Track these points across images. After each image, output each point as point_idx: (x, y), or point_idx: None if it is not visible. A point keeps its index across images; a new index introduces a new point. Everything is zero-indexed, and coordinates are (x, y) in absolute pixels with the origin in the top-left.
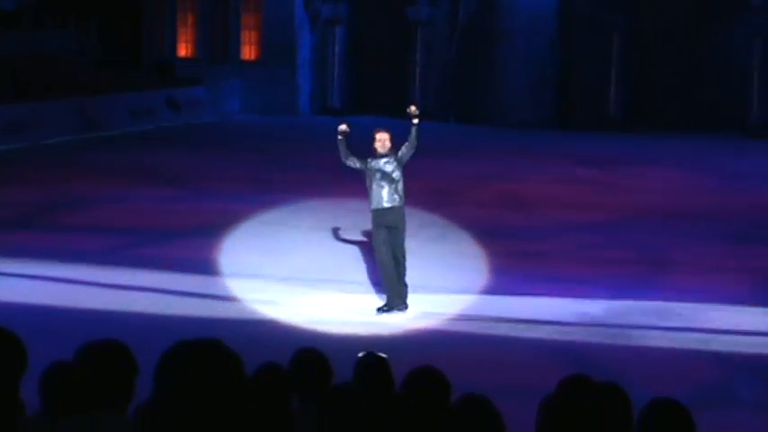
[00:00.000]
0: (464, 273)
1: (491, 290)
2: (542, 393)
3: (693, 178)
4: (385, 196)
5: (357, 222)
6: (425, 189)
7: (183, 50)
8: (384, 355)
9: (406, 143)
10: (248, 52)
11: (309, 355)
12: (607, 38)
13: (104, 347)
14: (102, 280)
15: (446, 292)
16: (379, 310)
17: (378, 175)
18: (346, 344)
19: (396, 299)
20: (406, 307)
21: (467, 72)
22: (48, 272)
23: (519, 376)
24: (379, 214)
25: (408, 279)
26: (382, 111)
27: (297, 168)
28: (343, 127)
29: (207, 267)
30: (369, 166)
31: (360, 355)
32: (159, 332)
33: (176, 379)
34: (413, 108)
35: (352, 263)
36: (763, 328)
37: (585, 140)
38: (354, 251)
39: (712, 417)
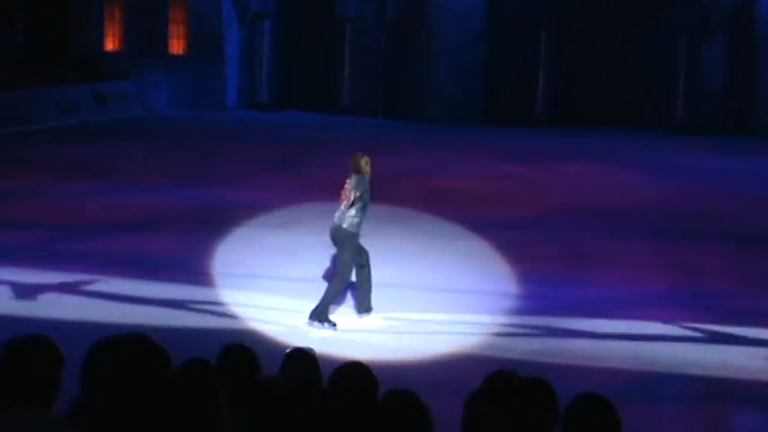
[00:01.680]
0: (390, 268)
1: (416, 285)
2: (468, 389)
3: (619, 174)
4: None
5: (291, 217)
6: None
7: (111, 44)
8: (312, 350)
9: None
10: (176, 46)
11: (237, 350)
12: (535, 34)
13: (29, 342)
14: (27, 275)
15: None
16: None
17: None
18: (276, 340)
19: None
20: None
21: (395, 68)
22: None
23: (444, 372)
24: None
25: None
26: (311, 106)
27: (226, 163)
28: None
29: (135, 262)
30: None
31: (287, 350)
32: (85, 328)
33: (103, 374)
34: None
35: (283, 259)
36: (684, 323)
37: (513, 136)
38: (286, 246)
39: (636, 412)
